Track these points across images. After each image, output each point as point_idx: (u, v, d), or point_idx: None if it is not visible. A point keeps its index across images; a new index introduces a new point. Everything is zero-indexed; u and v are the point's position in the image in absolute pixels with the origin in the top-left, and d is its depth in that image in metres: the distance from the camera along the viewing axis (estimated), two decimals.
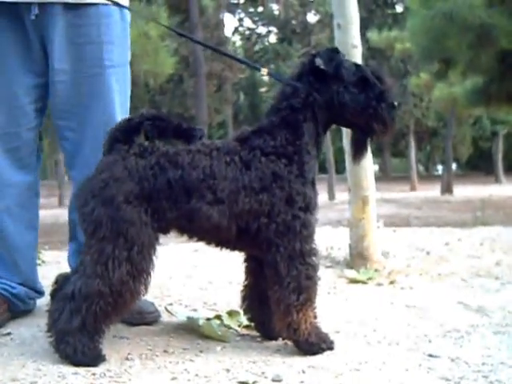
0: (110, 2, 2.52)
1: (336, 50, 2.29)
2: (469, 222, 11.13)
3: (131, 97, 2.77)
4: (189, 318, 2.54)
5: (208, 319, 2.50)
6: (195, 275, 3.65)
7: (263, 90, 36.61)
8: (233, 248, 2.33)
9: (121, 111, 2.65)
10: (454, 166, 26.70)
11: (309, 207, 2.20)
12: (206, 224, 2.16)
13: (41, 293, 2.85)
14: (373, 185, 3.78)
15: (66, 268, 3.79)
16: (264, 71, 2.42)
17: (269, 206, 2.16)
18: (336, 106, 2.23)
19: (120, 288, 2.08)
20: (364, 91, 2.22)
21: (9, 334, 2.45)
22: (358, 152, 2.33)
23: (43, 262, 4.14)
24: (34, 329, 2.52)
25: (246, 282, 2.44)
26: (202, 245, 4.33)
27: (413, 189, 25.64)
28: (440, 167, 37.90)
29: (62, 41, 2.53)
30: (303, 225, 2.18)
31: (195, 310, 2.82)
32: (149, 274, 2.16)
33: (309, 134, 2.25)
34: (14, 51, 2.53)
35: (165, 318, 2.71)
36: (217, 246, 2.31)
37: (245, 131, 2.29)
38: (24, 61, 2.55)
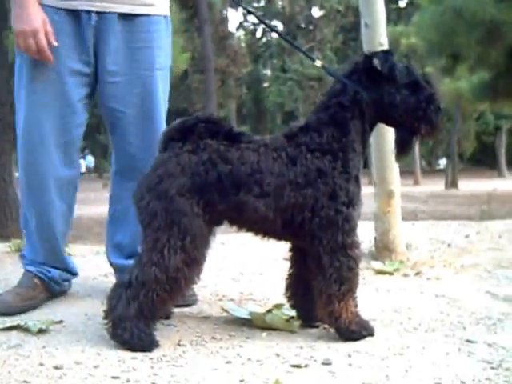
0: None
1: (391, 53, 2.38)
2: (475, 215, 11.21)
3: None
4: (252, 312, 2.61)
5: (269, 311, 2.57)
6: (226, 267, 3.75)
7: (266, 84, 36.68)
8: (278, 238, 2.43)
9: (164, 108, 2.89)
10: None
11: (351, 202, 2.29)
12: (253, 216, 2.27)
13: (74, 274, 3.02)
14: (398, 179, 3.87)
15: (91, 260, 3.93)
16: (318, 63, 2.54)
17: (313, 201, 2.25)
18: (386, 105, 2.32)
19: (176, 275, 2.19)
20: (414, 93, 2.32)
21: (61, 321, 2.54)
22: (403, 151, 2.41)
23: (69, 254, 4.23)
24: (82, 317, 2.62)
25: (290, 271, 2.53)
26: (228, 238, 4.46)
27: (416, 183, 25.74)
28: (442, 162, 37.89)
29: (119, 44, 2.69)
30: (345, 219, 2.27)
31: (233, 300, 2.92)
32: (201, 263, 2.28)
33: (355, 132, 2.34)
34: (71, 46, 2.65)
35: (205, 308, 2.83)
36: (264, 236, 2.41)
37: (293, 127, 2.38)
38: (78, 53, 2.67)
